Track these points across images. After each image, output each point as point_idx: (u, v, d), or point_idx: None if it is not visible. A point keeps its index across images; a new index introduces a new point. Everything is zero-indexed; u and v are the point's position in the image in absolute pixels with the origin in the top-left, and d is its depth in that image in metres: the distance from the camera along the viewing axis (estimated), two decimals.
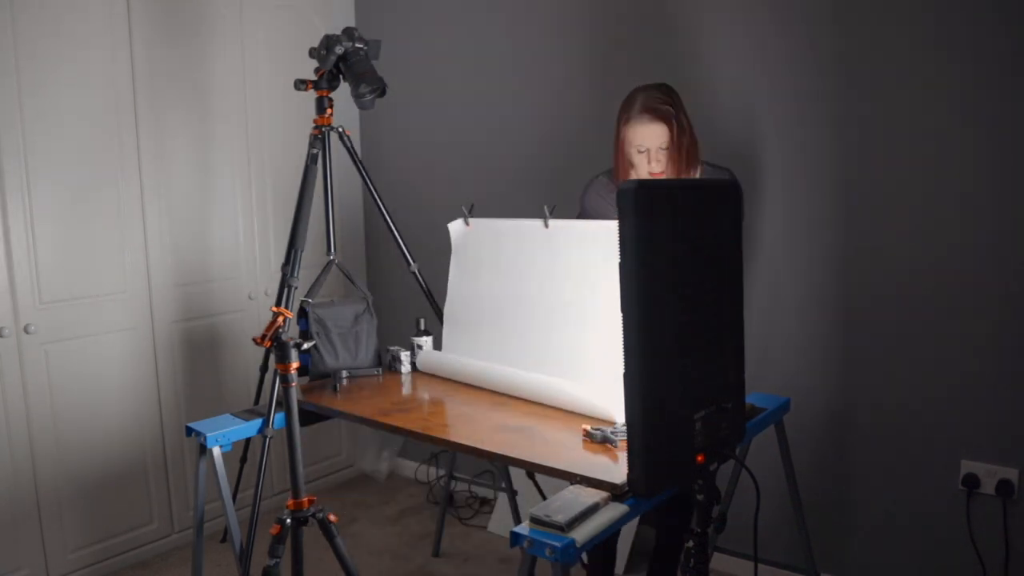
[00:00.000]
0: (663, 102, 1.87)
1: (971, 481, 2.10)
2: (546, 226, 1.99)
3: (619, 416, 1.65)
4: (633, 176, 1.93)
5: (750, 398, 1.91)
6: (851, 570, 2.34)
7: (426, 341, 2.27)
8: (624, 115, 1.91)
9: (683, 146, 1.88)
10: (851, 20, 2.17)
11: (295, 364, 1.73)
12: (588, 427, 1.64)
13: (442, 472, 3.23)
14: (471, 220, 2.17)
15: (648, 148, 1.87)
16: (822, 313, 2.31)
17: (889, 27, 2.11)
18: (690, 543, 1.45)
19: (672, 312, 1.30)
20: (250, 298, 3.00)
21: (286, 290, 2.25)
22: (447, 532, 2.83)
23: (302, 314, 2.24)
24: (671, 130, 1.86)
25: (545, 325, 1.98)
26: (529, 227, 2.04)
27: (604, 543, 2.16)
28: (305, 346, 1.79)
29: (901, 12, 2.09)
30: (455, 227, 2.20)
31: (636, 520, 2.57)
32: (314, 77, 2.37)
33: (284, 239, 2.37)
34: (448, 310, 2.23)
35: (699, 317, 1.36)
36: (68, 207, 2.47)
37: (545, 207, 1.98)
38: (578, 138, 2.72)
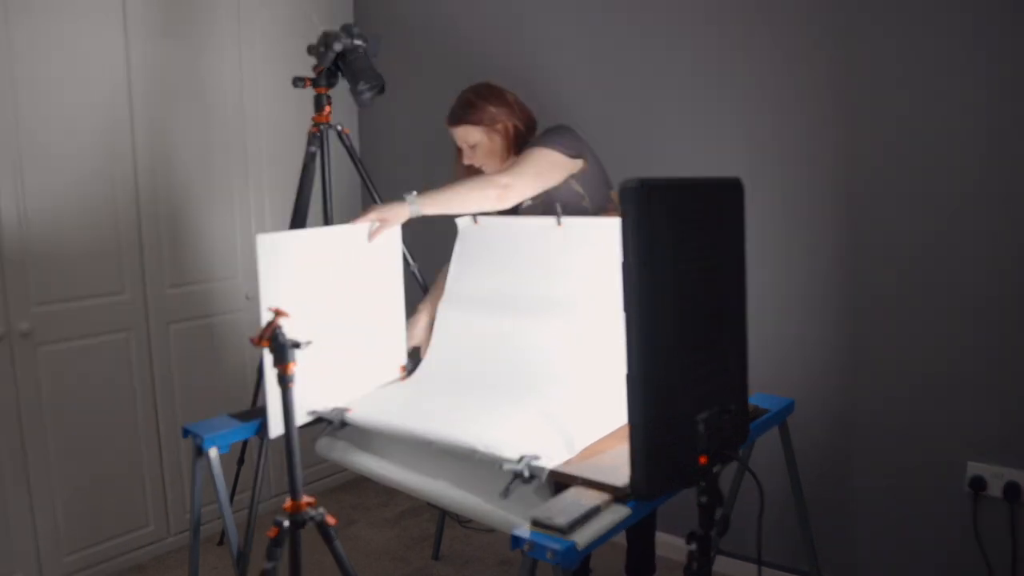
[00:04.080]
0: (460, 107, 2.12)
1: (978, 483, 2.07)
2: (559, 224, 1.97)
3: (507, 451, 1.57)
4: (464, 164, 2.18)
5: (753, 399, 1.89)
6: (855, 573, 2.32)
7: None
8: None
9: (494, 137, 2.11)
10: (852, 15, 2.15)
11: (293, 364, 1.71)
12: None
13: None
14: (480, 218, 2.16)
15: (461, 147, 2.15)
16: (826, 313, 2.29)
17: (893, 22, 2.10)
18: (693, 546, 1.42)
19: (675, 311, 1.28)
20: (247, 298, 2.97)
21: None
22: (447, 534, 2.81)
23: None
24: (470, 128, 2.10)
25: (546, 322, 1.95)
26: (540, 225, 2.03)
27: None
28: (303, 346, 1.76)
29: (908, 7, 2.07)
30: (463, 223, 2.19)
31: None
32: (312, 74, 2.35)
33: None
34: (444, 302, 2.20)
35: (702, 316, 1.34)
36: (63, 207, 2.45)
37: (557, 205, 1.97)
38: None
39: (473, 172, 2.18)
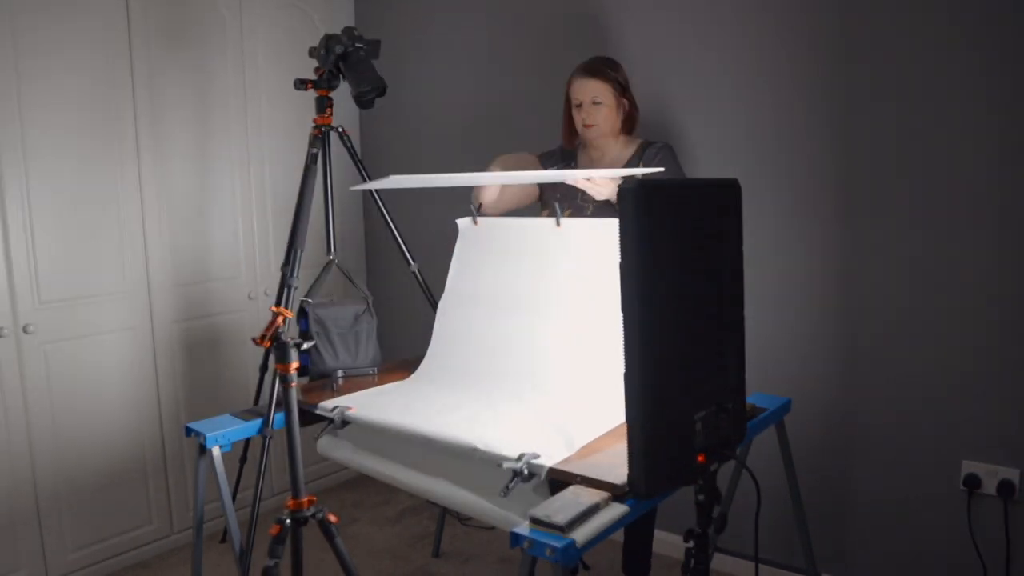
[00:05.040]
0: (600, 63, 2.15)
1: (972, 481, 2.09)
2: (558, 224, 1.98)
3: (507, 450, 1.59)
4: (572, 134, 2.21)
5: (751, 398, 1.91)
6: (851, 570, 2.34)
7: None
8: (569, 77, 2.18)
9: (619, 106, 2.14)
10: (852, 16, 2.16)
11: (295, 364, 1.72)
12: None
13: None
14: (480, 219, 2.17)
15: (582, 101, 2.12)
16: (823, 313, 2.30)
17: (891, 24, 2.11)
18: (691, 543, 1.44)
19: (673, 311, 1.29)
20: (250, 298, 2.99)
21: (286, 290, 2.25)
22: (447, 532, 2.83)
23: (302, 314, 2.23)
24: (605, 85, 2.11)
25: (546, 321, 1.97)
26: (540, 225, 2.04)
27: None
28: (305, 346, 1.77)
29: (907, 10, 2.08)
30: (464, 223, 2.20)
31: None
32: (314, 77, 2.36)
33: (284, 239, 2.37)
34: (444, 302, 2.22)
35: (700, 316, 1.35)
36: (67, 206, 2.46)
37: (557, 205, 1.98)
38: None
39: (574, 134, 2.20)
